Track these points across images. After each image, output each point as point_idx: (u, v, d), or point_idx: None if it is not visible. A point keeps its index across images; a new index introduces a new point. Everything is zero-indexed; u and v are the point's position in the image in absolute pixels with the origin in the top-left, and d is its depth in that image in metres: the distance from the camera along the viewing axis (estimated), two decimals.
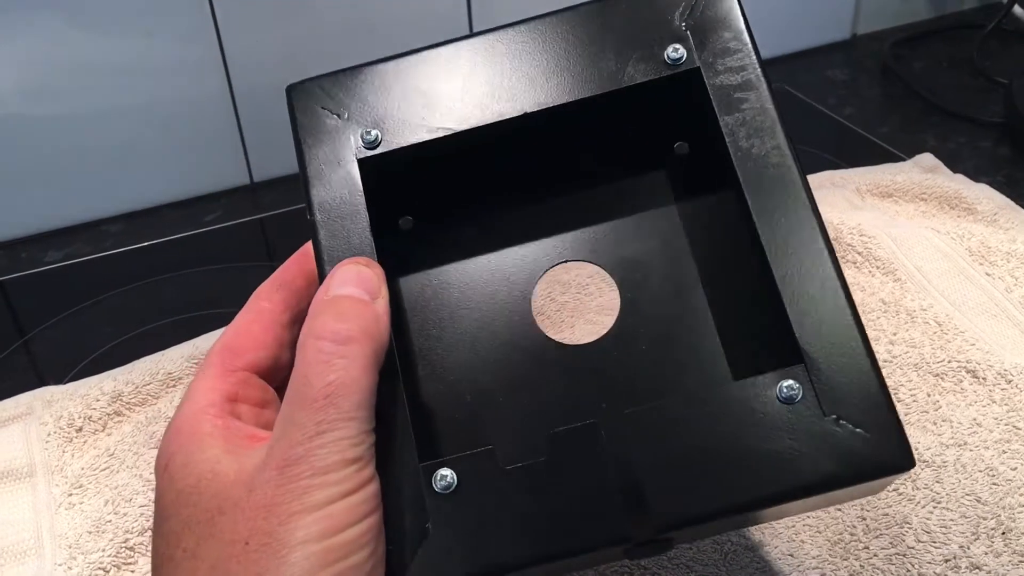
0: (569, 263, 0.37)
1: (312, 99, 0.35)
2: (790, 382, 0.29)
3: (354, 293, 0.31)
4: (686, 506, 0.29)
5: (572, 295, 0.56)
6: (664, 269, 0.36)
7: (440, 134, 0.34)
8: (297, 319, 0.34)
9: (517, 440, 0.34)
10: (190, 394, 0.32)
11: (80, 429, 0.49)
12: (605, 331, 0.36)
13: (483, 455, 0.30)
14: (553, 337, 0.36)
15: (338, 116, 0.34)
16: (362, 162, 0.33)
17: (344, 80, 0.35)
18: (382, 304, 0.31)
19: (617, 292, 0.36)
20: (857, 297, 0.55)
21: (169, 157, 0.73)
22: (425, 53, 0.35)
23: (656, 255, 0.36)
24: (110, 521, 0.44)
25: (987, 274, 0.56)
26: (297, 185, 0.32)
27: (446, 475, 0.30)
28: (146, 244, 0.70)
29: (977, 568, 0.40)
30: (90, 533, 0.44)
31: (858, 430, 0.29)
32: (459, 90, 0.34)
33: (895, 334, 0.52)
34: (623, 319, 0.36)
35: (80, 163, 0.71)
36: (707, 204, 0.36)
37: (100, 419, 0.50)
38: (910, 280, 0.56)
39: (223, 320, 0.58)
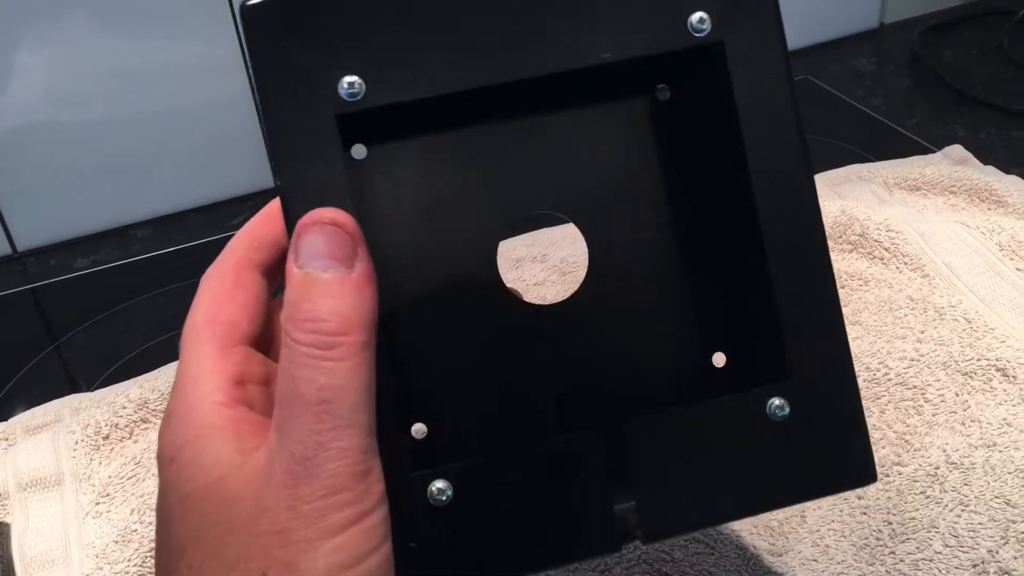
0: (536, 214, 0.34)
1: (277, 27, 0.29)
2: (780, 401, 0.31)
3: (328, 269, 0.27)
4: (673, 521, 0.31)
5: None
6: (637, 225, 0.34)
7: (434, 92, 0.29)
8: (278, 277, 0.30)
9: (495, 428, 0.33)
10: (191, 374, 0.29)
11: (107, 437, 0.50)
12: (573, 289, 0.34)
13: (478, 466, 0.30)
14: (517, 293, 0.34)
15: (311, 52, 0.29)
16: (341, 118, 0.29)
17: (318, 6, 0.29)
18: (361, 271, 0.27)
19: (585, 246, 0.34)
20: (884, 294, 0.54)
21: (194, 161, 0.73)
22: None
23: (629, 209, 0.34)
24: (136, 530, 0.45)
25: (1018, 269, 0.55)
26: None
27: (443, 488, 0.29)
28: (173, 249, 0.71)
29: (1006, 573, 0.39)
30: (116, 543, 0.44)
31: (832, 450, 0.31)
32: (460, 34, 0.30)
33: (923, 332, 0.52)
34: (592, 277, 0.34)
35: (106, 169, 0.71)
36: (694, 167, 0.34)
37: (127, 426, 0.50)
38: (939, 276, 0.55)
39: None
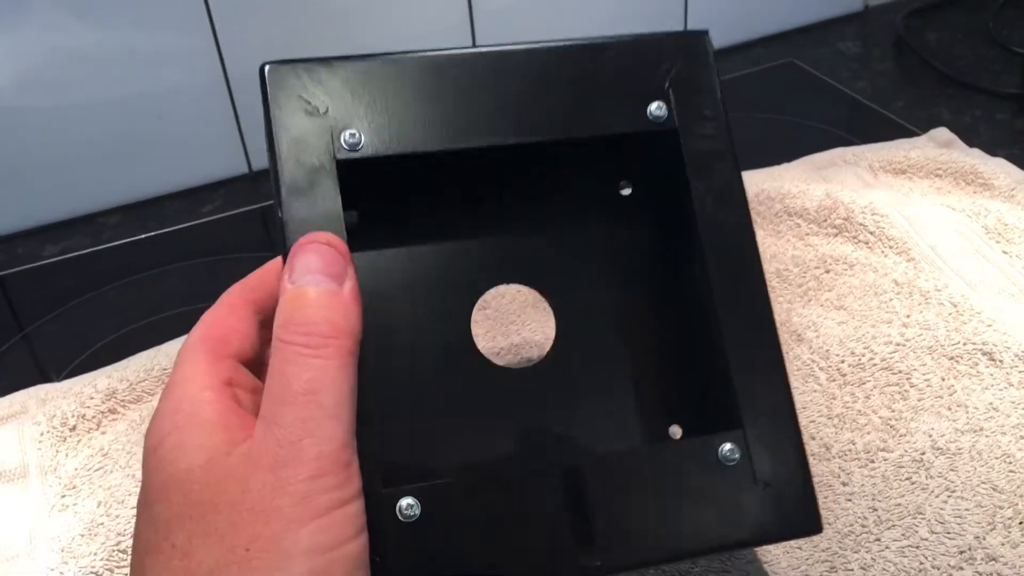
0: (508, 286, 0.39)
1: (291, 85, 0.33)
2: (731, 446, 0.33)
3: (320, 283, 0.29)
4: (628, 555, 0.33)
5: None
6: (602, 300, 0.39)
7: (424, 149, 0.34)
8: (270, 321, 0.32)
9: (462, 464, 0.37)
10: (184, 375, 0.31)
11: (74, 428, 0.49)
12: (541, 356, 0.38)
13: (445, 487, 0.32)
14: (488, 355, 0.37)
15: (317, 109, 0.34)
16: (340, 163, 0.33)
17: (328, 71, 0.34)
18: (350, 288, 0.30)
19: (552, 317, 0.38)
20: (869, 278, 0.54)
21: (166, 147, 0.72)
22: (415, 57, 0.35)
23: (596, 286, 0.39)
24: (102, 524, 0.43)
25: (1004, 252, 0.54)
26: None
27: (412, 504, 0.31)
28: (144, 236, 0.69)
29: (993, 559, 0.39)
30: (82, 536, 0.43)
31: (779, 498, 0.33)
32: (447, 105, 0.35)
33: (908, 316, 0.51)
34: (559, 346, 0.38)
35: (76, 155, 0.70)
36: (654, 248, 0.39)
37: (94, 417, 0.49)
38: (924, 260, 0.54)
39: None
